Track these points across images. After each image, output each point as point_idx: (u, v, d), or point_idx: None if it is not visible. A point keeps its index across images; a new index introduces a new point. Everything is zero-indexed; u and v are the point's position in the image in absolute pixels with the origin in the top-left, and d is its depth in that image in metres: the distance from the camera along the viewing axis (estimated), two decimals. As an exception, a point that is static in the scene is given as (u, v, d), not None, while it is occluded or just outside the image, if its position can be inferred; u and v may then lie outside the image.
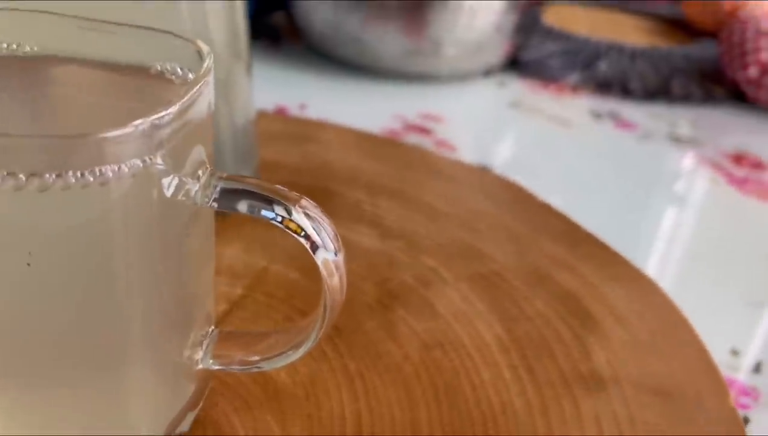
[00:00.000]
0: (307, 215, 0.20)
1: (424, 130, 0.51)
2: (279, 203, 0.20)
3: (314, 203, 0.20)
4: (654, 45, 0.69)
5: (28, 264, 0.17)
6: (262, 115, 0.40)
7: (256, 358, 0.23)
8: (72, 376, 0.19)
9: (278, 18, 0.66)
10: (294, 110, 0.51)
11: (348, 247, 0.33)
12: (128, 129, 0.17)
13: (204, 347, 0.23)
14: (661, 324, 0.31)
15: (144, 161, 0.18)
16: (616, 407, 0.27)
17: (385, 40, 0.56)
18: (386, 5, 0.55)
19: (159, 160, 0.18)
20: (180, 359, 0.22)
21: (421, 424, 0.25)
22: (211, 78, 0.20)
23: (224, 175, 0.20)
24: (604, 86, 0.61)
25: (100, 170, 0.17)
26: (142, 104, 0.21)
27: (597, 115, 0.58)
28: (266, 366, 0.23)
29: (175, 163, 0.19)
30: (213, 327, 0.24)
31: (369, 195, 0.37)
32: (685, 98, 0.61)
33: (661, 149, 0.54)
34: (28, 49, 0.22)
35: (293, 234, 0.20)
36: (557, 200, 0.41)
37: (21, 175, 0.16)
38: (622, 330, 0.30)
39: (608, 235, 0.37)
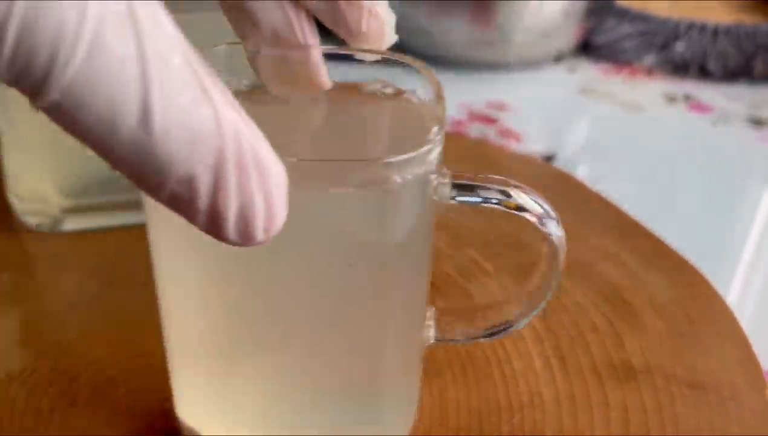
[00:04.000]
0: (526, 193, 0.22)
1: (488, 120, 0.52)
2: (503, 192, 0.22)
3: (527, 187, 0.23)
4: (739, 21, 0.66)
5: (349, 265, 0.21)
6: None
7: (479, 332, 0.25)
8: (344, 356, 0.23)
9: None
10: (361, 104, 0.53)
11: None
12: (414, 153, 0.20)
13: (430, 323, 0.25)
14: (703, 315, 0.31)
15: (421, 172, 0.20)
16: (644, 397, 0.27)
17: (453, 30, 0.57)
18: (454, -4, 0.56)
19: (432, 169, 0.21)
20: (420, 337, 0.24)
21: (448, 410, 0.27)
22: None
23: (459, 174, 0.22)
24: (681, 68, 0.60)
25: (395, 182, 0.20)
26: (406, 125, 0.24)
27: (671, 99, 0.57)
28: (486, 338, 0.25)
29: (434, 170, 0.22)
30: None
31: (420, 188, 0.38)
32: (769, 78, 0.59)
33: (739, 133, 0.53)
34: None
35: (517, 212, 0.22)
36: (628, 189, 0.41)
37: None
38: (660, 321, 0.31)
39: (681, 223, 0.37)
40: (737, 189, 0.46)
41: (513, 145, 0.48)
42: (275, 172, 0.15)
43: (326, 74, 0.23)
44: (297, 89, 0.23)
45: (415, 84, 0.24)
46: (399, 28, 0.24)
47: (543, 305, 0.24)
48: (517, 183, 0.23)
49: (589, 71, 0.60)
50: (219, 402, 0.24)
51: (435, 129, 0.21)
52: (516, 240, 0.35)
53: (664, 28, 0.64)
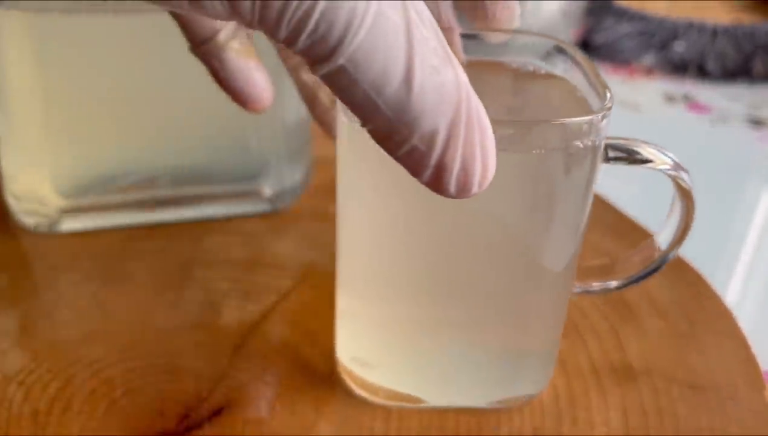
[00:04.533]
0: (658, 151, 0.24)
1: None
2: (643, 151, 0.24)
3: (658, 145, 0.25)
4: (738, 22, 0.66)
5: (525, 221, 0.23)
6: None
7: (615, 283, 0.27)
8: (508, 308, 0.25)
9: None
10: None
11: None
12: (599, 114, 0.22)
13: None
14: (702, 315, 0.31)
15: (597, 135, 0.22)
16: (644, 399, 0.27)
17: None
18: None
19: (604, 134, 0.23)
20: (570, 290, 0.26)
21: (447, 410, 0.26)
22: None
23: (610, 137, 0.24)
24: (679, 68, 0.60)
25: (584, 143, 0.22)
26: (559, 96, 0.26)
27: (670, 99, 0.57)
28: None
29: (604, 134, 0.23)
30: None
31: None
32: (768, 77, 0.59)
33: (738, 133, 0.53)
34: None
35: (656, 167, 0.24)
36: (627, 189, 0.41)
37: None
38: (660, 322, 0.31)
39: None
40: (736, 189, 0.46)
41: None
42: (490, 130, 0.17)
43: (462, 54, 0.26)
44: None
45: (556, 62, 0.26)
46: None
47: (678, 250, 0.26)
48: (650, 143, 0.25)
49: (588, 71, 0.60)
50: (377, 348, 0.26)
51: (608, 95, 0.22)
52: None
53: (663, 28, 0.64)
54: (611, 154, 0.24)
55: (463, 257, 0.24)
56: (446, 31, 0.25)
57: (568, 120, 0.21)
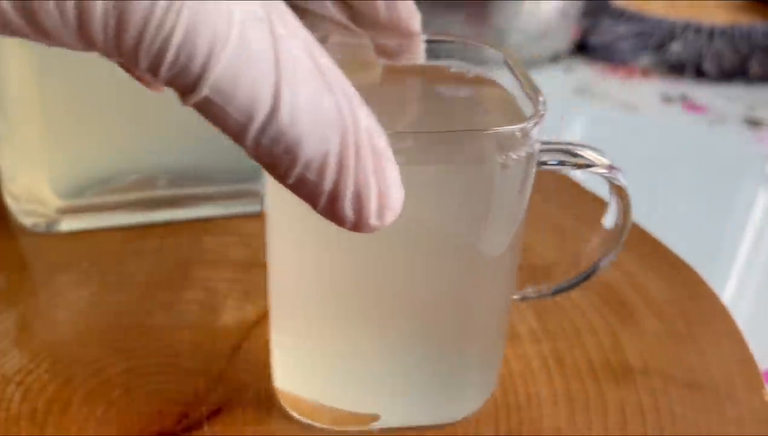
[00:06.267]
0: (592, 151, 0.24)
1: (485, 120, 0.52)
2: (574, 154, 0.24)
3: (589, 144, 0.24)
4: (735, 22, 0.66)
5: (457, 236, 0.22)
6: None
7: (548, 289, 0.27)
8: (444, 327, 0.24)
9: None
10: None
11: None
12: (535, 121, 0.21)
13: None
14: (700, 315, 0.31)
15: (532, 141, 0.21)
16: (642, 398, 0.27)
17: (448, 29, 0.57)
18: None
19: (538, 138, 0.22)
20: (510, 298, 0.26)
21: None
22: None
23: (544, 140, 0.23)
24: (676, 68, 0.60)
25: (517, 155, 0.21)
26: (492, 100, 0.25)
27: (667, 99, 0.57)
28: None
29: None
30: None
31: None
32: (765, 78, 0.59)
33: (735, 133, 0.53)
34: None
35: (590, 170, 0.24)
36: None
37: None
38: (657, 321, 0.31)
39: (677, 224, 0.37)
40: (733, 189, 0.46)
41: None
42: (389, 156, 0.16)
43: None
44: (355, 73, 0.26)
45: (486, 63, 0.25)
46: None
47: (617, 252, 0.26)
48: (581, 142, 0.24)
49: (585, 72, 0.60)
50: (313, 373, 0.25)
51: (541, 99, 0.21)
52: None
53: (660, 28, 0.64)
54: (549, 159, 0.23)
55: (397, 278, 0.23)
56: (408, 37, 0.24)
57: (499, 129, 0.20)
